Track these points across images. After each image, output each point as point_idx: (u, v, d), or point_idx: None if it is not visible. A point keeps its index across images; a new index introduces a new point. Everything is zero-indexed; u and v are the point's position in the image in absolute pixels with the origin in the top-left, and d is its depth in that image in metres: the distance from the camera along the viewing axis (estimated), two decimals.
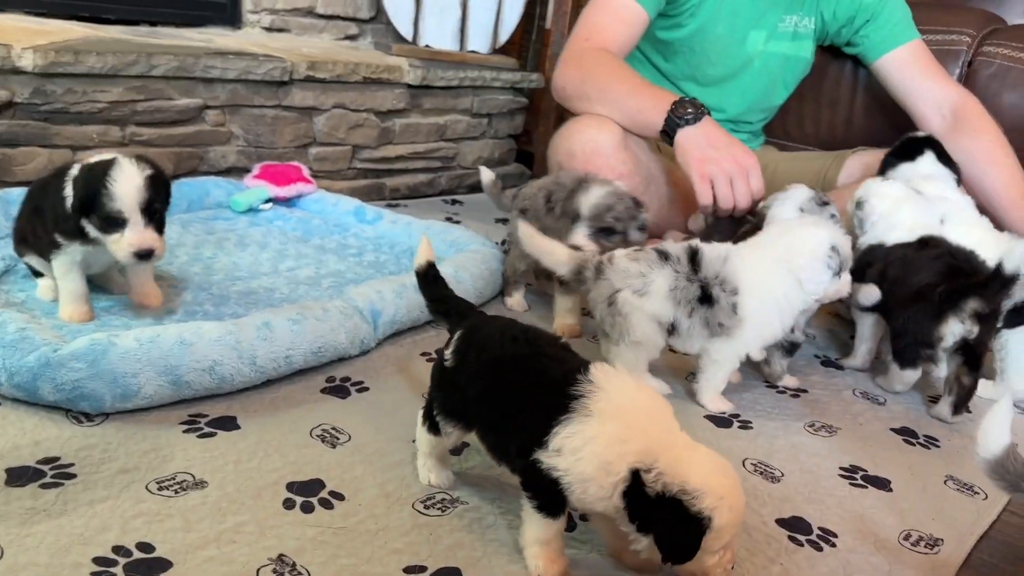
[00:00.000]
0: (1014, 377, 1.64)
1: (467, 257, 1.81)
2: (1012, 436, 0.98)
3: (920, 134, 1.95)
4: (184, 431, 1.18)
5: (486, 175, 2.00)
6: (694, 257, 1.39)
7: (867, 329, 1.72)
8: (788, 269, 1.39)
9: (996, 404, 0.95)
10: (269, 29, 2.70)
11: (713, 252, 1.41)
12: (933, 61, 2.19)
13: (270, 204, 2.14)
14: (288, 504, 1.05)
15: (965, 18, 2.44)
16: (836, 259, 1.40)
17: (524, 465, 0.95)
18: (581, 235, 1.58)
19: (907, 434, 1.48)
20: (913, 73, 2.18)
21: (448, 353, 1.06)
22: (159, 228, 1.37)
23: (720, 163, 1.80)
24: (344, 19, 2.85)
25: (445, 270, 1.71)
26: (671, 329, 1.40)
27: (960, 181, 1.87)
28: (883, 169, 1.94)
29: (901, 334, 1.58)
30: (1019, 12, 2.65)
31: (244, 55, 2.20)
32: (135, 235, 1.32)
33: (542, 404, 0.94)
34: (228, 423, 1.22)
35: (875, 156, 2.22)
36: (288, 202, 2.18)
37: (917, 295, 1.53)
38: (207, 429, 1.20)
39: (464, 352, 1.05)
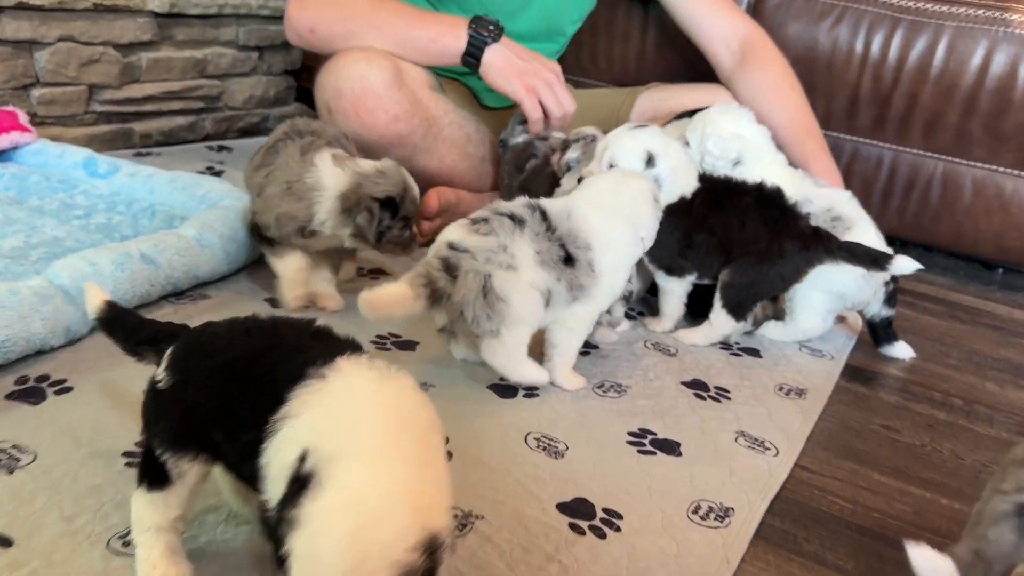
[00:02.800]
0: (801, 317, 1.60)
1: (216, 215, 1.55)
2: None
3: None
4: None
5: None
6: (544, 215, 1.25)
7: (680, 293, 1.59)
8: (630, 223, 1.31)
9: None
10: None
11: (555, 208, 1.27)
12: None
13: None
14: None
15: None
16: (659, 209, 1.37)
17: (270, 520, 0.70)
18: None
19: (698, 387, 1.40)
20: (700, 7, 2.09)
21: (161, 372, 0.80)
22: None
23: (538, 74, 1.73)
24: None
25: (187, 231, 1.47)
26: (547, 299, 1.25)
27: None
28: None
29: (746, 286, 1.51)
30: None
31: None
32: None
33: (260, 410, 0.72)
34: None
35: (666, 91, 2.15)
36: (0, 155, 1.81)
37: (770, 249, 1.48)
38: None
39: (183, 364, 0.79)
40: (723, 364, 1.50)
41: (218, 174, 2.07)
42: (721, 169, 1.60)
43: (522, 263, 1.20)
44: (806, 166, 1.82)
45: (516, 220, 1.22)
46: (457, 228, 1.21)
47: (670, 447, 1.20)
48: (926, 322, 1.90)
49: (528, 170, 1.76)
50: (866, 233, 1.58)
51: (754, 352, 1.57)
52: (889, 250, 1.59)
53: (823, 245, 1.47)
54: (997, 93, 2.08)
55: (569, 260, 1.24)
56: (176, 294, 1.43)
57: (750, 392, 1.41)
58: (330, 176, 1.35)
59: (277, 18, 2.63)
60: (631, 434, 1.22)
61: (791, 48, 2.19)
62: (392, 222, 1.36)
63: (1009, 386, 1.61)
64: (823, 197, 1.61)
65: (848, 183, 2.34)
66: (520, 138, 1.79)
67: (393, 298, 1.15)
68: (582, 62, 2.55)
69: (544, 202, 1.28)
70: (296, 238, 1.39)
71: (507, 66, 1.73)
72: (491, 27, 1.75)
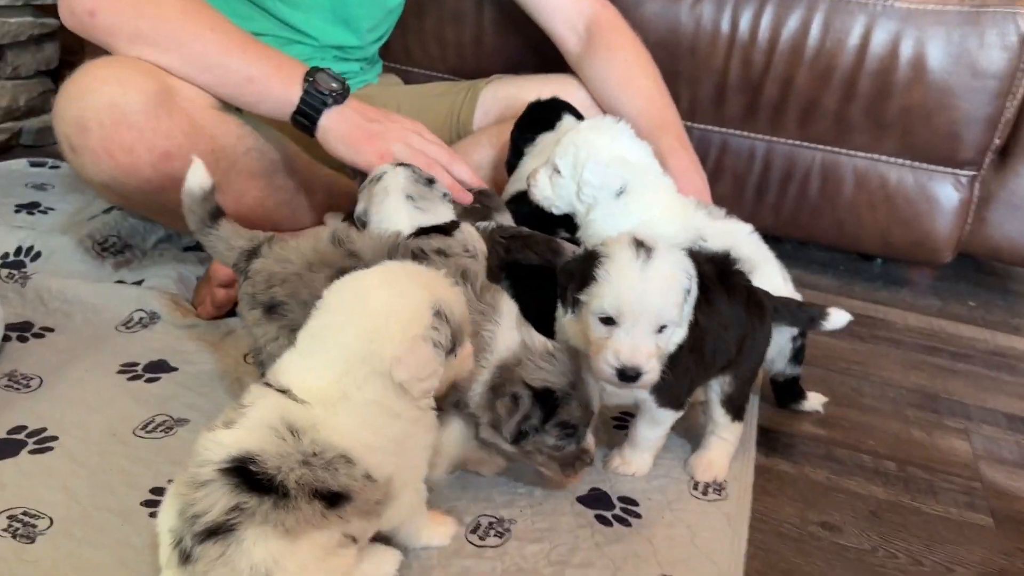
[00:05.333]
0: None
1: None
2: None
3: (543, 99, 1.56)
4: None
5: (195, 176, 1.13)
6: (256, 482, 0.75)
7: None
8: (378, 372, 0.81)
9: None
10: None
11: (266, 436, 0.77)
12: None
13: None
14: None
15: None
16: (446, 329, 0.85)
17: None
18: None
19: (599, 504, 1.08)
20: None
21: None
22: None
23: (393, 134, 1.33)
24: None
25: None
26: None
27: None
28: (518, 147, 1.51)
29: (746, 385, 1.19)
30: None
31: None
32: None
33: None
34: None
35: (513, 85, 1.81)
36: None
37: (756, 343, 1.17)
38: None
39: None
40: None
41: None
42: (602, 201, 1.28)
43: (275, 561, 0.74)
44: (662, 165, 1.53)
45: (223, 532, 0.73)
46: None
47: None
48: (825, 344, 1.67)
49: None
50: (772, 277, 1.29)
51: None
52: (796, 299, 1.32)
53: (770, 313, 1.18)
54: (878, 75, 1.86)
55: (335, 500, 0.78)
56: None
57: (662, 499, 1.11)
58: (505, 339, 1.00)
59: (19, 8, 2.07)
60: None
61: (649, 30, 1.90)
62: (546, 427, 0.98)
63: (935, 431, 1.40)
64: (720, 234, 1.29)
65: (718, 179, 2.10)
66: None
67: None
68: (409, 48, 2.16)
69: (240, 443, 0.77)
70: (453, 408, 1.03)
71: (352, 130, 1.31)
72: (334, 84, 1.33)
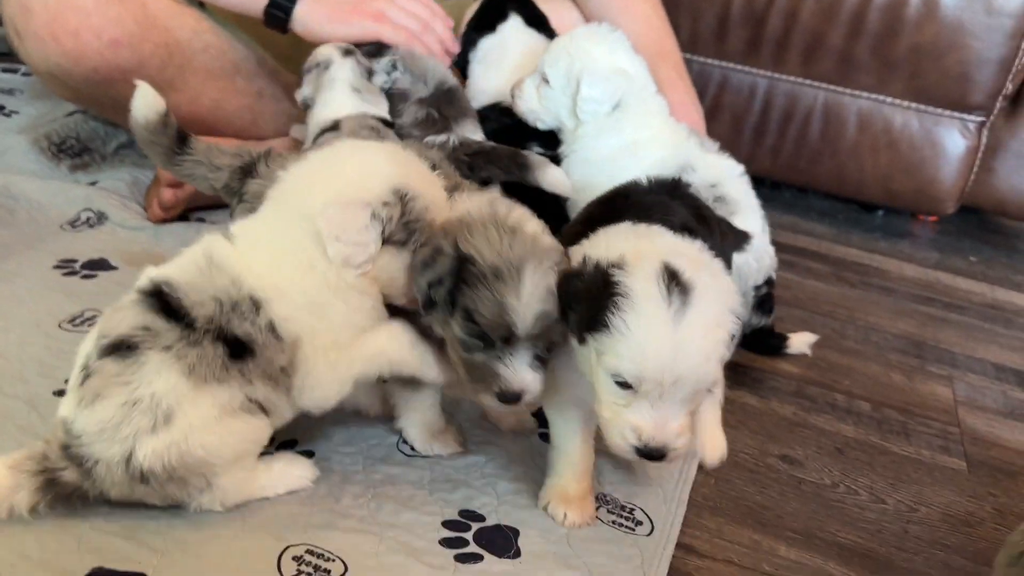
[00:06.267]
0: None
1: None
2: None
3: None
4: None
5: (143, 100, 0.96)
6: (167, 304, 0.75)
7: None
8: (307, 216, 0.78)
9: None
10: None
11: (185, 269, 0.78)
12: None
13: None
14: None
15: None
16: (397, 212, 0.78)
17: None
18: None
19: (542, 422, 1.02)
20: None
21: None
22: None
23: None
24: None
25: None
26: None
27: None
28: (464, 49, 1.38)
29: None
30: None
31: None
32: None
33: None
34: None
35: None
36: None
37: None
38: None
39: None
40: None
41: None
42: (600, 115, 1.20)
43: (177, 401, 0.72)
44: None
45: (125, 349, 0.73)
46: (68, 398, 0.75)
47: (503, 542, 0.82)
48: (812, 288, 1.60)
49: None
50: (751, 223, 1.16)
51: None
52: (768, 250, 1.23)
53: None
54: (887, 10, 1.76)
55: (237, 349, 0.75)
56: None
57: None
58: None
59: None
60: (447, 525, 0.83)
61: None
62: (455, 308, 0.78)
63: (917, 376, 1.32)
64: (710, 167, 1.20)
65: (715, 118, 2.00)
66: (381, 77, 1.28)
67: None
68: None
69: (164, 271, 0.78)
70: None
71: (335, 6, 1.25)
72: None
